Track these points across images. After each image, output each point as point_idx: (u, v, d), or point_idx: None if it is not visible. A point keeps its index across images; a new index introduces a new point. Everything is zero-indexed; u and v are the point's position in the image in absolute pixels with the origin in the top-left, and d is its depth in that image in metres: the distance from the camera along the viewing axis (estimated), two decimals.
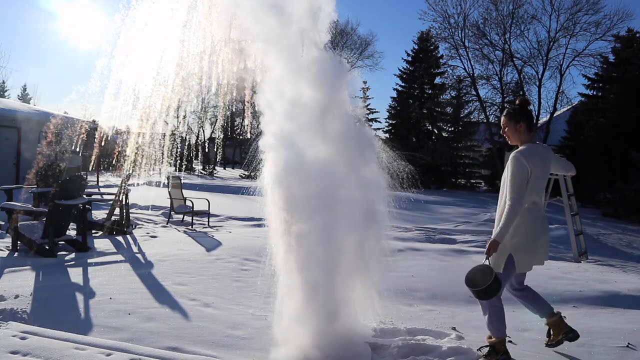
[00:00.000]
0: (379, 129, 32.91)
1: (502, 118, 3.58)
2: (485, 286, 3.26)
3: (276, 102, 3.65)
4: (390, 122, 31.53)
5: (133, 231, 8.16)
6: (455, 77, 28.68)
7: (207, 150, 36.10)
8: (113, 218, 8.09)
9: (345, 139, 3.65)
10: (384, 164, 3.95)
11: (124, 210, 8.22)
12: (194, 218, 10.20)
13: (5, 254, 6.23)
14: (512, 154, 3.38)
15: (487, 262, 3.35)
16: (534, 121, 3.57)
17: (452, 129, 30.17)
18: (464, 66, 27.80)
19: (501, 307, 3.48)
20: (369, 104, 34.36)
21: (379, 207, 3.77)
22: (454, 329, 4.17)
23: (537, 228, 3.43)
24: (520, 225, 3.36)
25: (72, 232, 7.25)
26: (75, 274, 5.30)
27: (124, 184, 8.20)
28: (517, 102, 3.59)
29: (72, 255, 6.27)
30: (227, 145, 43.20)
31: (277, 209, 3.58)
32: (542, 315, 3.73)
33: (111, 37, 4.22)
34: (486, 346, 3.50)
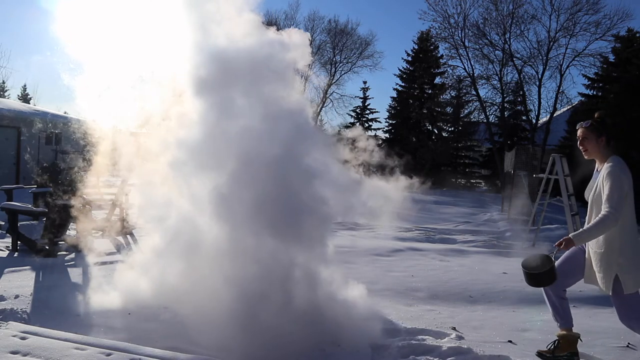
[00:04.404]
0: (379, 129, 32.93)
1: (582, 130, 3.40)
2: (537, 272, 3.24)
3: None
4: (390, 122, 31.52)
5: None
6: (455, 77, 28.66)
7: None
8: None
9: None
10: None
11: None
12: None
13: (5, 254, 6.23)
14: (608, 168, 3.21)
15: (553, 254, 3.30)
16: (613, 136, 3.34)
17: (452, 129, 30.17)
18: (464, 66, 27.76)
19: (566, 299, 3.46)
20: (369, 104, 34.32)
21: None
22: (454, 329, 4.17)
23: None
24: (627, 244, 3.19)
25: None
26: (75, 274, 5.30)
27: (123, 185, 8.17)
28: (597, 115, 3.46)
29: (72, 255, 6.27)
30: None
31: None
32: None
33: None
34: (555, 341, 3.49)
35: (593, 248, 3.29)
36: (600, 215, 3.12)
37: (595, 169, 3.48)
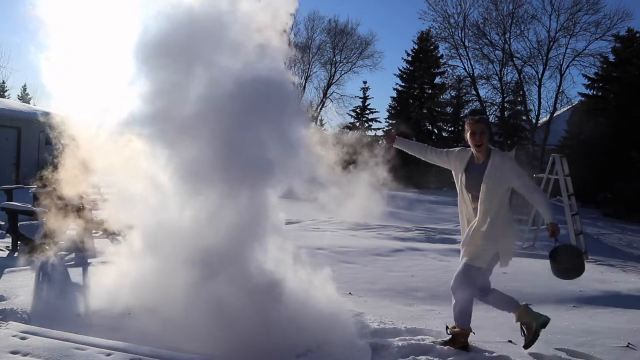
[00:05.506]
0: (379, 128, 32.91)
1: (480, 125, 3.59)
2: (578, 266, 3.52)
3: None
4: (390, 122, 31.50)
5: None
6: (455, 77, 28.72)
7: None
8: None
9: None
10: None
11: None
12: None
13: (5, 254, 6.23)
14: (505, 156, 3.61)
15: (559, 245, 3.56)
16: None
17: (452, 129, 30.15)
18: (464, 66, 27.80)
19: (472, 300, 3.66)
20: (369, 104, 34.36)
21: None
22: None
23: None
24: (509, 224, 3.62)
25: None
26: (75, 274, 5.30)
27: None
28: (479, 110, 3.77)
29: (72, 255, 6.27)
30: None
31: None
32: (512, 311, 3.73)
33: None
34: (448, 334, 3.68)
35: (481, 228, 3.53)
36: (537, 195, 3.56)
37: (472, 161, 3.66)
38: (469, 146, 3.69)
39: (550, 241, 3.66)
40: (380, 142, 3.71)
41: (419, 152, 3.98)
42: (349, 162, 4.48)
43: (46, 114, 17.07)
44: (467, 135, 3.63)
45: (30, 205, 7.15)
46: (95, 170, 4.30)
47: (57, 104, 4.16)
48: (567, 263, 3.51)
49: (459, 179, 3.72)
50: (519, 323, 3.66)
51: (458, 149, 3.82)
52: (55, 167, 5.54)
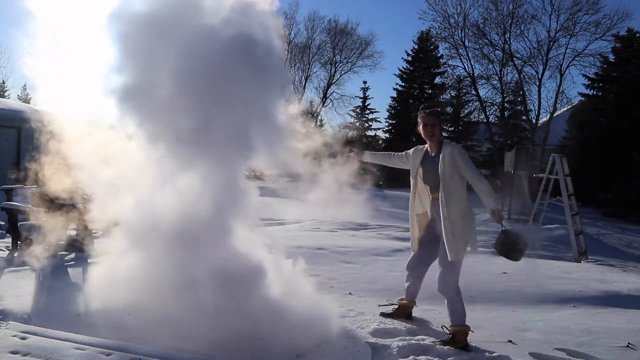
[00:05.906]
0: (379, 128, 32.93)
1: (433, 117, 3.76)
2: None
3: None
4: (390, 122, 31.53)
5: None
6: (455, 77, 28.70)
7: None
8: None
9: None
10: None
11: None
12: None
13: (5, 254, 6.23)
14: (456, 149, 3.71)
15: (505, 228, 3.81)
16: None
17: (452, 129, 30.16)
18: (464, 66, 27.74)
19: (461, 294, 3.81)
20: (369, 104, 34.37)
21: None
22: None
23: None
24: (469, 212, 3.75)
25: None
26: (75, 274, 5.30)
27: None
28: (429, 104, 3.95)
29: (72, 255, 6.27)
30: None
31: None
32: (406, 295, 4.29)
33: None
34: (447, 334, 3.70)
35: (447, 219, 3.63)
36: (485, 184, 3.70)
37: (427, 154, 3.84)
38: (425, 143, 3.86)
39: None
40: (348, 156, 4.03)
41: (384, 161, 4.17)
42: (346, 160, 4.49)
43: (35, 111, 17.09)
44: (420, 128, 3.79)
45: (30, 205, 7.15)
46: (82, 167, 4.27)
47: (39, 96, 4.13)
48: (524, 246, 3.79)
49: (416, 173, 3.88)
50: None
51: (414, 148, 3.99)
52: (37, 165, 5.54)
